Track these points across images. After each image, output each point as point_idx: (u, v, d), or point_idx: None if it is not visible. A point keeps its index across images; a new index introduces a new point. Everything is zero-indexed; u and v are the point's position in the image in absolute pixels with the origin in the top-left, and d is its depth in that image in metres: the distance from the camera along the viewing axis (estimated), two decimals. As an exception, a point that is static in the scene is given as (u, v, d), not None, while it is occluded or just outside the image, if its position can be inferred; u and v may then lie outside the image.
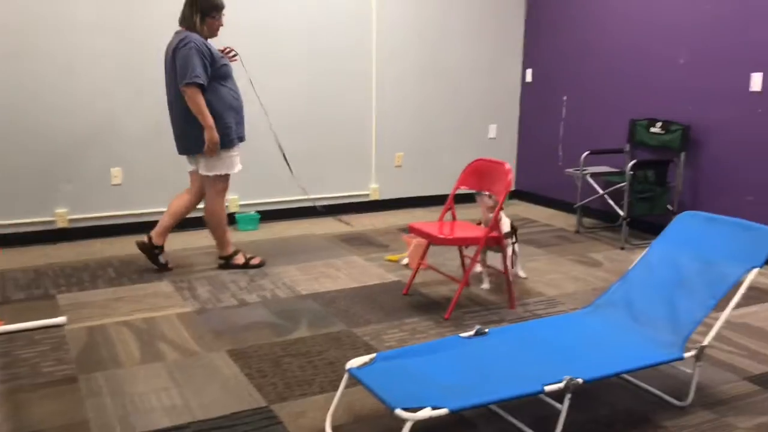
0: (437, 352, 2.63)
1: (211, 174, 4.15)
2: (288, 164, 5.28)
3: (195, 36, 3.94)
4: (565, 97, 6.25)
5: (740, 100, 4.75)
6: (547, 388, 2.30)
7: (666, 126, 5.21)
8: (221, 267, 4.40)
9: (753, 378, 2.94)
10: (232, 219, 5.54)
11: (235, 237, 5.17)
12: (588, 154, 5.44)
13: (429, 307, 3.76)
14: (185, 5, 4.03)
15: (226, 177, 4.24)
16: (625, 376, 2.89)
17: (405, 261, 4.53)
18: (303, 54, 5.62)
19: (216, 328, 3.42)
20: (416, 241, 4.37)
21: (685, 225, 3.05)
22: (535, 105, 6.61)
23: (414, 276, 3.96)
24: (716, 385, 2.88)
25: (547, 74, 6.43)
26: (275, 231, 5.39)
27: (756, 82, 4.63)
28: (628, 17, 5.55)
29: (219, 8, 4.04)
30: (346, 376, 2.46)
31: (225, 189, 4.26)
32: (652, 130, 5.32)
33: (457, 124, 6.48)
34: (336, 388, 2.74)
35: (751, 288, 4.13)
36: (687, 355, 2.60)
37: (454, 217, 4.07)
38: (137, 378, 2.88)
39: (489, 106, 6.63)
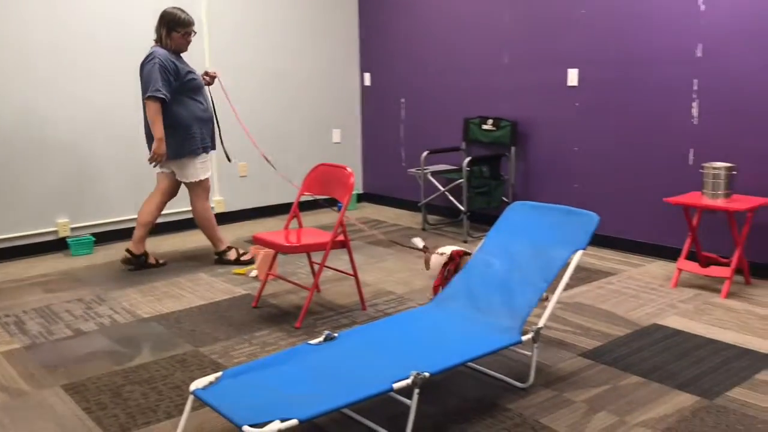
0: (286, 362, 2.57)
1: (188, 181, 4.47)
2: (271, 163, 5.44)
3: (160, 51, 4.20)
4: (403, 100, 6.41)
5: (560, 94, 5.09)
6: (396, 386, 2.32)
7: (496, 123, 5.48)
8: (216, 262, 4.72)
9: (586, 353, 3.14)
10: (63, 244, 5.17)
11: (69, 263, 4.83)
12: (427, 154, 5.61)
13: (280, 317, 3.69)
14: (157, 20, 4.31)
15: (205, 180, 4.52)
16: (472, 364, 2.99)
17: (254, 273, 4.43)
18: (132, 64, 5.34)
19: (49, 363, 3.16)
20: (264, 251, 4.28)
21: (516, 214, 3.20)
22: (375, 108, 6.73)
23: (263, 287, 3.87)
24: (555, 363, 3.04)
25: (385, 78, 6.56)
26: (112, 253, 5.08)
27: (572, 77, 4.98)
28: (455, 20, 5.78)
29: (183, 24, 4.28)
30: (191, 399, 2.35)
31: (207, 191, 4.56)
32: (484, 127, 5.57)
33: (301, 130, 6.45)
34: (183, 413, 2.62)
35: (579, 269, 4.43)
36: (525, 338, 2.72)
37: (300, 225, 4.03)
38: (-45, 429, 2.59)
39: (331, 111, 6.65)
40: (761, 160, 4.09)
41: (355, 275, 3.74)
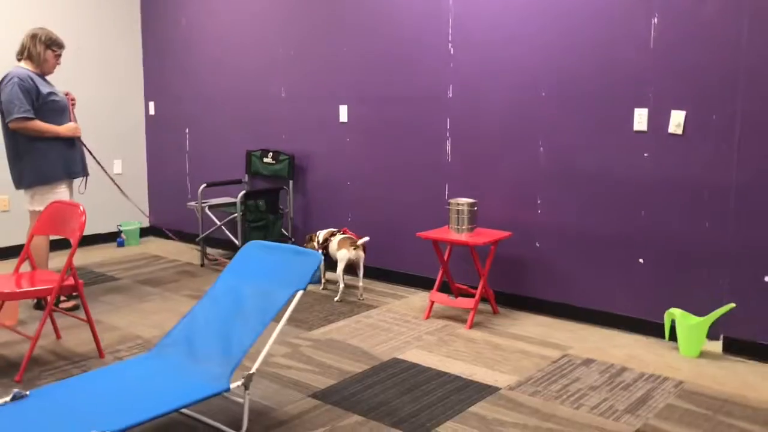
0: (-41, 428, 2.31)
1: (31, 209, 4.21)
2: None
3: (18, 71, 4.06)
4: (187, 130, 6.22)
5: (333, 130, 5.15)
6: (69, 450, 2.14)
7: (276, 156, 5.45)
8: (36, 307, 4.34)
9: (317, 393, 3.12)
10: None
11: None
12: (205, 187, 5.46)
13: (3, 371, 3.36)
14: (28, 38, 4.16)
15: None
16: (188, 411, 2.86)
17: (-10, 320, 4.03)
18: None
19: None
20: None
21: (249, 255, 3.14)
22: (160, 138, 6.48)
23: (-13, 337, 3.53)
24: (281, 406, 2.99)
25: (170, 107, 6.34)
26: None
27: (343, 113, 5.06)
28: (236, 52, 5.71)
29: (59, 44, 4.23)
30: None
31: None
32: (265, 160, 5.52)
33: (75, 161, 6.05)
34: None
35: (344, 303, 4.44)
36: (234, 385, 2.64)
37: (33, 267, 3.73)
38: None
39: (112, 140, 6.31)
40: (502, 195, 4.34)
41: (89, 321, 3.50)
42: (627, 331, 3.94)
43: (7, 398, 2.51)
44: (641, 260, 3.88)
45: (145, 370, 2.77)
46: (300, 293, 2.83)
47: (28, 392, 2.56)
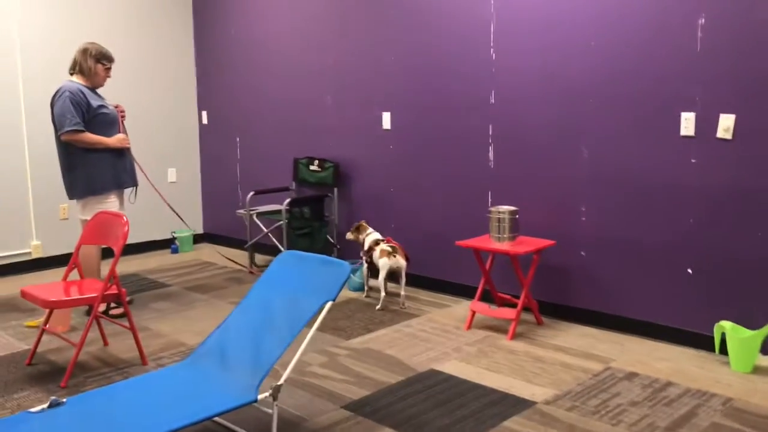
0: (-1, 434, 2.41)
1: (82, 218, 4.37)
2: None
3: (70, 85, 4.21)
4: (238, 139, 6.33)
5: (377, 137, 5.15)
6: (96, 458, 2.20)
7: (321, 164, 5.48)
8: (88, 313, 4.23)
9: (349, 404, 3.11)
10: None
11: None
12: (253, 194, 5.54)
13: (50, 375, 3.49)
14: (80, 53, 4.29)
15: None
16: (220, 420, 2.90)
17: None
18: None
19: None
20: (52, 303, 4.06)
21: (282, 265, 3.16)
22: (213, 147, 6.62)
23: (37, 343, 3.66)
24: (313, 416, 3.00)
25: (221, 116, 6.47)
26: None
27: (386, 121, 5.05)
28: (285, 61, 5.78)
29: (109, 58, 4.36)
30: None
31: None
32: (311, 168, 5.57)
33: (132, 170, 6.24)
34: None
35: (386, 312, 4.43)
36: (261, 396, 2.66)
37: (81, 276, 3.86)
38: None
39: (166, 150, 6.49)
40: (546, 203, 4.25)
41: (132, 328, 3.59)
42: (674, 344, 3.79)
43: (45, 405, 2.59)
44: (690, 270, 3.73)
45: (179, 379, 2.82)
46: (329, 304, 2.83)
47: (65, 399, 2.64)
